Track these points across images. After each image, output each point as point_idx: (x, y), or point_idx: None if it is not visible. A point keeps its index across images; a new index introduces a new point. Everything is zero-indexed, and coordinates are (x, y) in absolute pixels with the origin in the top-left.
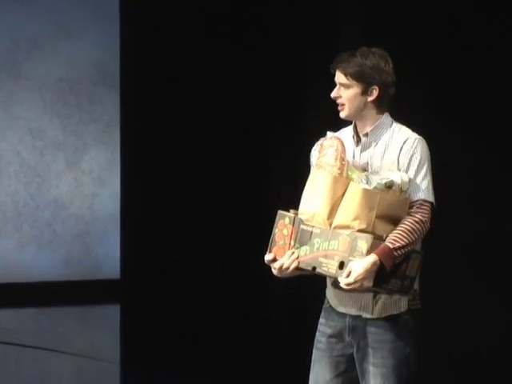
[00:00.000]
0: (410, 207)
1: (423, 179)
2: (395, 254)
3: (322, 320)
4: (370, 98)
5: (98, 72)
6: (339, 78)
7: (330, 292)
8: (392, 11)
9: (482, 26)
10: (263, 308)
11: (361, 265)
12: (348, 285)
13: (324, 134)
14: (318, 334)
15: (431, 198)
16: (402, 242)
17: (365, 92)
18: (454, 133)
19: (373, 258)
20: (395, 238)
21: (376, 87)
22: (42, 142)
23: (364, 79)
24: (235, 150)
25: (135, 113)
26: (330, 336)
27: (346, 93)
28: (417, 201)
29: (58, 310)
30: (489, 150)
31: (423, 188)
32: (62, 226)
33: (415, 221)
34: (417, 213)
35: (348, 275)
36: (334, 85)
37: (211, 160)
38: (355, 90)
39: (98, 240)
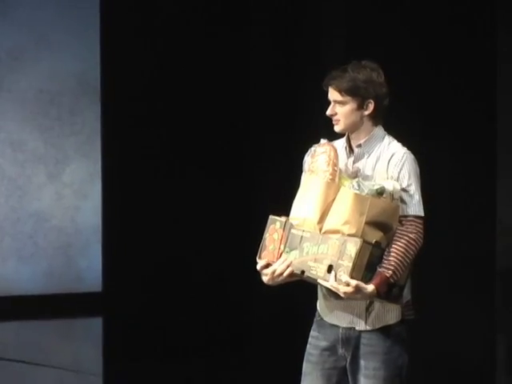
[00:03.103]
0: (400, 222)
1: (413, 194)
2: (391, 280)
3: (313, 333)
4: (366, 112)
5: (79, 84)
6: (333, 95)
7: (321, 304)
8: (376, 23)
9: (468, 36)
10: (252, 320)
11: (359, 296)
12: (338, 289)
13: (317, 141)
14: (309, 346)
15: (422, 213)
16: (398, 268)
17: (360, 106)
18: (443, 143)
19: (371, 289)
20: (391, 264)
21: (371, 100)
22: (22, 154)
23: (359, 94)
24: (221, 159)
25: (117, 125)
26: (323, 349)
27: (341, 110)
28: (407, 216)
29: (39, 324)
30: (479, 157)
31: (414, 203)
32: (43, 238)
33: (409, 241)
34: (409, 231)
35: (347, 284)
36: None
37: (196, 170)
38: (351, 105)
39: (79, 252)
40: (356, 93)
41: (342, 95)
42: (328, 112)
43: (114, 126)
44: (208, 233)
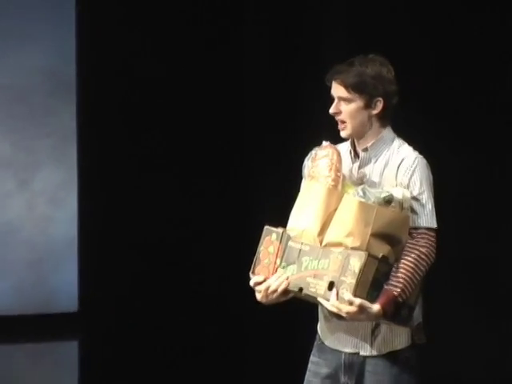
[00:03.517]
0: (411, 234)
1: (425, 203)
2: (399, 299)
3: (313, 358)
4: (374, 112)
5: (52, 81)
6: (338, 91)
7: (322, 326)
8: (380, 20)
9: (480, 34)
10: (245, 345)
11: (364, 317)
12: (337, 309)
13: (319, 143)
14: (308, 374)
15: (435, 225)
16: (408, 286)
17: (368, 105)
18: (453, 147)
19: (376, 309)
20: (399, 282)
21: (380, 99)
22: None
23: (367, 91)
24: (212, 164)
25: (94, 126)
26: (324, 377)
27: (347, 108)
28: (418, 228)
29: (7, 348)
30: (490, 164)
31: (426, 213)
32: (12, 252)
33: (420, 256)
34: (420, 245)
35: (350, 303)
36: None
37: (184, 177)
38: (357, 103)
39: (52, 268)
40: (364, 89)
41: (348, 91)
42: (331, 110)
43: (91, 127)
44: (198, 246)
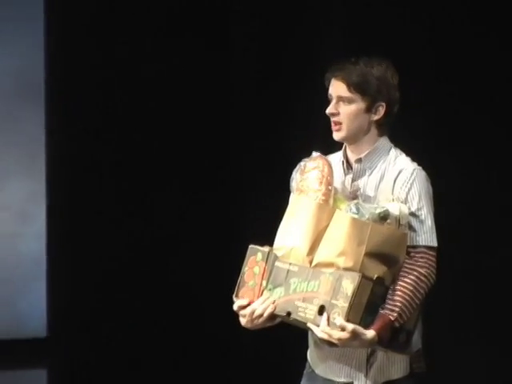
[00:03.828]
0: (408, 254)
1: (424, 219)
2: (396, 324)
3: None
4: (375, 117)
5: (19, 84)
6: (338, 89)
7: (312, 353)
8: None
9: (484, 43)
10: (225, 370)
11: (357, 344)
12: (329, 336)
13: (308, 154)
14: None
15: (435, 243)
16: (406, 310)
17: (369, 109)
18: (452, 154)
19: (371, 335)
20: (396, 306)
21: (383, 104)
22: None
23: (370, 92)
24: (192, 175)
25: (65, 133)
26: None
27: (346, 109)
28: (417, 247)
29: None
30: (493, 176)
31: (425, 230)
32: None
33: (419, 278)
34: (419, 265)
35: (342, 329)
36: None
37: (162, 190)
38: (358, 105)
39: (19, 289)
40: (367, 90)
41: (349, 90)
42: (329, 110)
43: (61, 135)
44: (177, 266)
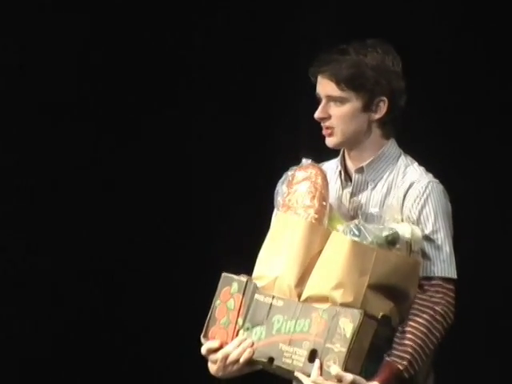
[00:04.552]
0: (421, 287)
1: (441, 245)
2: (405, 375)
3: None
4: (375, 116)
5: None
6: (326, 88)
7: None
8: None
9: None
10: None
11: None
12: None
13: (297, 161)
14: None
15: (453, 274)
16: (417, 357)
17: (367, 106)
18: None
19: None
20: (406, 352)
21: (384, 98)
22: None
23: (366, 87)
24: (156, 188)
25: None
26: None
27: (338, 111)
28: (432, 279)
29: None
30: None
31: (442, 258)
32: None
33: (433, 317)
34: (435, 302)
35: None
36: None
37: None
38: (353, 104)
39: None
40: (362, 85)
41: (340, 88)
42: (317, 114)
43: None
44: (144, 294)
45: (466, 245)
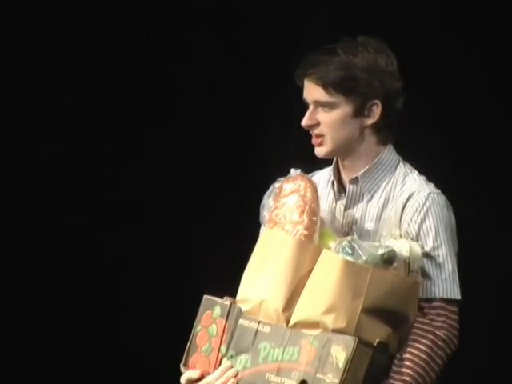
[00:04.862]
0: (422, 309)
1: (443, 263)
2: None
3: None
4: (368, 121)
5: None
6: (313, 93)
7: None
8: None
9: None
10: None
11: None
12: None
13: (285, 172)
14: None
15: (457, 295)
16: None
17: (359, 111)
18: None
19: None
20: (405, 381)
21: (377, 101)
22: None
23: (357, 90)
24: (137, 203)
25: None
26: None
27: (327, 117)
28: (433, 300)
29: None
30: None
31: (444, 277)
32: None
33: (435, 342)
34: (436, 326)
35: None
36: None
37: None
38: (343, 109)
39: None
40: (352, 88)
41: (328, 93)
42: (304, 122)
43: None
44: (120, 316)
45: (466, 244)
